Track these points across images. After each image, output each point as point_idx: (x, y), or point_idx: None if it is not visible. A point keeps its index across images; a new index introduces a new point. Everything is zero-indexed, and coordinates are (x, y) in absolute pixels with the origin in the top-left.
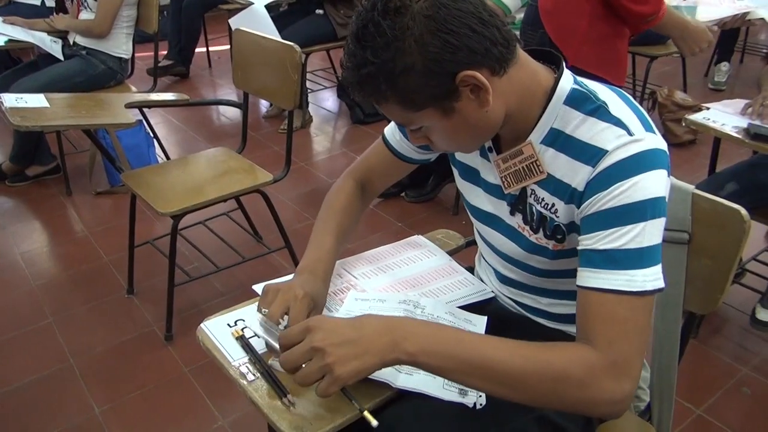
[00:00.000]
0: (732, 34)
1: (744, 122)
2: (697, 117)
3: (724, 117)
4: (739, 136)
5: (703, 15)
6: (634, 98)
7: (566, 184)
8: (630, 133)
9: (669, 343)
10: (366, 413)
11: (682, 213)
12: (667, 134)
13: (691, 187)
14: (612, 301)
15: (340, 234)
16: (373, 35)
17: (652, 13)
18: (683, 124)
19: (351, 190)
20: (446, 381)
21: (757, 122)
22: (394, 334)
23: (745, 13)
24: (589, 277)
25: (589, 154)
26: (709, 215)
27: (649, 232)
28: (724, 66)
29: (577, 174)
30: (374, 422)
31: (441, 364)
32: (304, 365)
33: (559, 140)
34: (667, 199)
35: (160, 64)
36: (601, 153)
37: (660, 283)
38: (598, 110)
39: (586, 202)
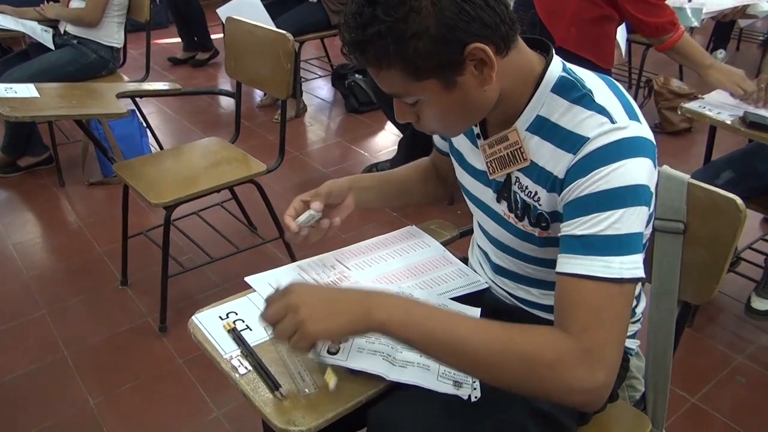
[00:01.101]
0: (728, 22)
1: (740, 111)
2: (693, 105)
3: (720, 105)
4: (735, 125)
5: (707, 8)
6: (630, 86)
7: (548, 171)
8: (612, 121)
9: (663, 333)
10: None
11: (677, 202)
12: (663, 122)
13: (686, 177)
14: (588, 287)
15: (400, 173)
16: None
17: (663, 24)
18: (679, 112)
19: (423, 160)
20: (440, 373)
21: (753, 110)
22: (369, 302)
23: (746, 6)
24: (567, 263)
25: (571, 142)
26: (705, 204)
27: (628, 220)
28: (720, 53)
29: (559, 162)
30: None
31: (410, 335)
32: None
33: (544, 128)
34: (652, 189)
35: (178, 56)
36: (582, 140)
37: (639, 273)
38: (583, 98)
39: (566, 189)
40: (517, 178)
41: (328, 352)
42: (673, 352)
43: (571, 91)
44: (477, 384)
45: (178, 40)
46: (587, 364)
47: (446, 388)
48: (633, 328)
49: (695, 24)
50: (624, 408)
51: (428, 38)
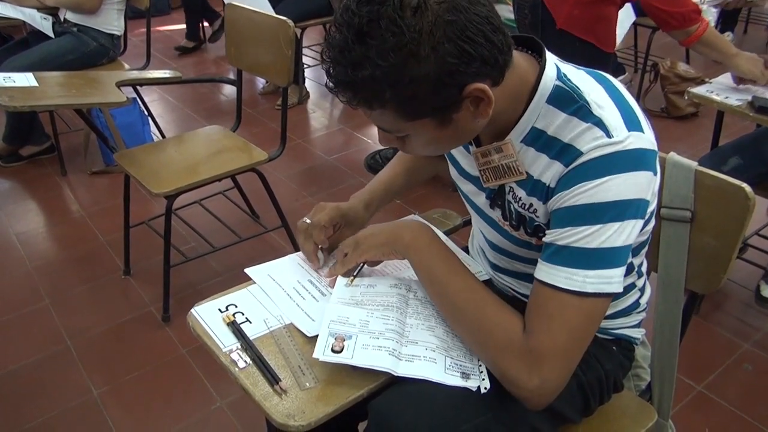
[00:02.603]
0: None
1: (748, 95)
2: (700, 90)
3: (727, 90)
4: (743, 110)
5: None
6: (636, 70)
7: (543, 183)
8: (609, 135)
9: (670, 323)
10: None
11: (684, 190)
12: (669, 107)
13: (694, 164)
14: (547, 294)
15: (401, 168)
16: (384, 33)
17: (689, 13)
18: (686, 97)
19: None
20: (447, 366)
21: (761, 95)
22: (403, 226)
23: None
24: (538, 268)
25: (566, 154)
26: (713, 192)
27: (604, 235)
28: (728, 36)
29: (553, 172)
30: None
31: (419, 263)
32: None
33: (540, 140)
34: (648, 197)
35: (183, 44)
36: (576, 154)
37: (608, 288)
38: (580, 110)
39: (552, 199)
40: (511, 188)
41: (332, 350)
42: (679, 342)
43: (568, 102)
44: (485, 375)
45: (180, 27)
46: (525, 363)
47: (454, 380)
48: (638, 318)
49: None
50: (629, 398)
51: (427, 84)
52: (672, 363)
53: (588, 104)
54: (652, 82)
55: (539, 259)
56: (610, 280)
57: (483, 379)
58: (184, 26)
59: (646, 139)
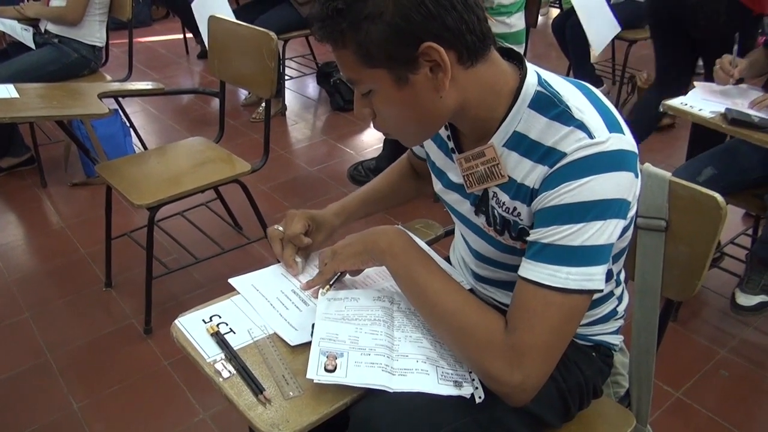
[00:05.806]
0: None
1: (721, 107)
2: (675, 102)
3: (701, 102)
4: (717, 121)
5: None
6: (614, 83)
7: (526, 186)
8: (591, 136)
9: (647, 330)
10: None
11: (659, 200)
12: None
13: (668, 175)
14: (530, 291)
15: (385, 184)
16: None
17: None
18: (661, 109)
19: (402, 161)
20: (440, 375)
21: (734, 107)
22: (379, 234)
23: None
24: (522, 266)
25: (549, 157)
26: (686, 202)
27: (587, 233)
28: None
29: (536, 175)
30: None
31: (397, 268)
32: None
33: (522, 145)
34: (630, 198)
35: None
36: (559, 155)
37: (591, 285)
38: (562, 115)
39: (536, 199)
40: (494, 193)
41: (325, 369)
42: (656, 348)
43: (548, 107)
44: (478, 383)
45: (161, 37)
46: (506, 360)
47: (448, 389)
48: (616, 324)
49: None
50: (608, 404)
51: (382, 24)
52: (649, 369)
53: (569, 108)
54: (629, 94)
55: (523, 258)
56: (592, 277)
57: (477, 388)
58: (165, 37)
59: (626, 140)
